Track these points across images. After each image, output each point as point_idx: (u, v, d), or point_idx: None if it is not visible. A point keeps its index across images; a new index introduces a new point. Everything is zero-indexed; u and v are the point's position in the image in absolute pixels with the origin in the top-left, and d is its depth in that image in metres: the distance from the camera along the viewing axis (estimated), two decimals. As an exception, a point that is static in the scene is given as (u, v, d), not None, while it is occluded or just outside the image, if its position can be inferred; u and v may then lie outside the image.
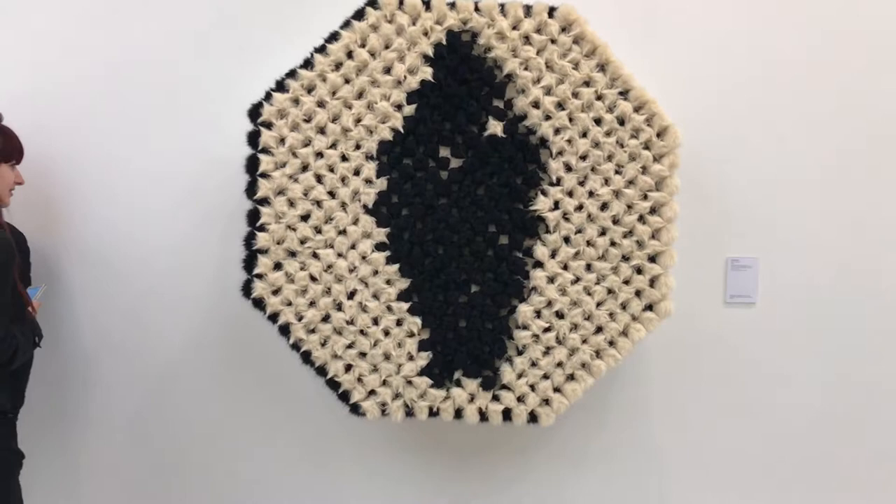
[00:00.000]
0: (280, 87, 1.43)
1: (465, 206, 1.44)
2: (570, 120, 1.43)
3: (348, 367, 1.47)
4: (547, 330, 1.46)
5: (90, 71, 1.66)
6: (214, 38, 1.65)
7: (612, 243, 1.46)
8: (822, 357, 1.66)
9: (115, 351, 1.69)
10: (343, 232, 1.45)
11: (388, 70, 1.43)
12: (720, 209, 1.64)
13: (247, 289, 1.45)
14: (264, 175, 1.42)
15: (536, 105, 1.43)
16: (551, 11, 1.43)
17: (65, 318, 1.69)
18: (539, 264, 1.45)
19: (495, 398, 1.47)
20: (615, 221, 1.45)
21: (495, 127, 1.43)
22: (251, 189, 1.43)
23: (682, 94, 1.59)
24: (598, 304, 1.46)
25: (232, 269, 1.59)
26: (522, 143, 1.44)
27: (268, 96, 1.43)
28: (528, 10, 1.43)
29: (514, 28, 1.42)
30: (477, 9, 1.42)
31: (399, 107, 1.43)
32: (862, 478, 1.70)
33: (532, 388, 1.47)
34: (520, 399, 1.47)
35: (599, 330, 1.47)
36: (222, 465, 1.71)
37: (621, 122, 1.44)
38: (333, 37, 1.43)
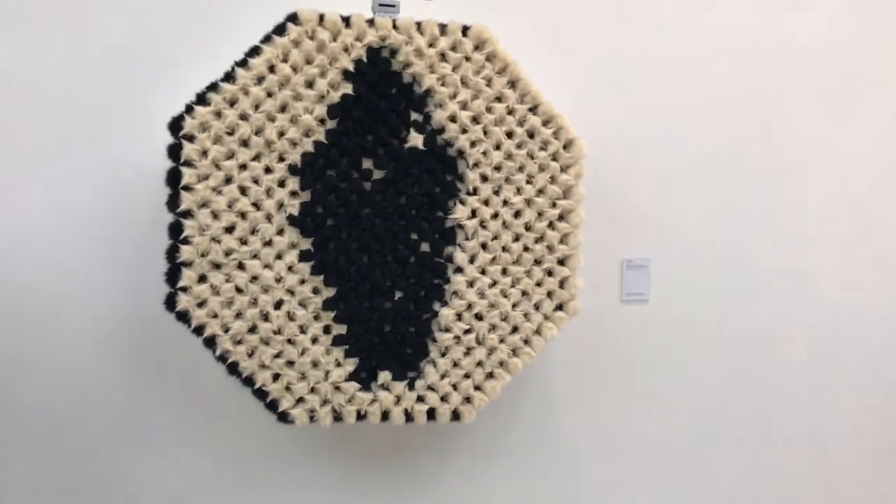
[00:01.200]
0: (202, 100, 1.43)
1: (387, 215, 1.50)
2: (485, 133, 1.52)
3: (276, 376, 1.49)
4: (468, 332, 1.53)
5: (5, 77, 1.59)
6: (133, 50, 1.62)
7: (526, 248, 1.56)
8: (712, 349, 1.83)
9: (22, 372, 1.62)
10: (269, 243, 1.47)
11: (310, 84, 1.46)
12: (616, 214, 1.78)
13: (170, 302, 1.44)
14: (187, 188, 1.42)
15: (454, 119, 1.50)
16: (465, 30, 1.51)
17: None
18: (459, 270, 1.53)
19: (420, 399, 1.54)
20: (527, 228, 1.55)
21: (416, 139, 1.49)
22: (173, 202, 1.43)
23: (581, 107, 1.71)
24: (514, 306, 1.56)
25: (149, 283, 1.59)
26: (441, 155, 1.51)
27: (189, 109, 1.42)
28: (443, 28, 1.50)
29: (431, 45, 1.49)
30: (395, 26, 1.48)
31: (322, 120, 1.47)
32: (758, 460, 1.88)
33: (455, 387, 1.54)
34: (443, 399, 1.54)
35: (515, 330, 1.56)
36: (143, 485, 1.68)
37: (531, 135, 1.54)
38: (255, 51, 1.45)
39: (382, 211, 1.49)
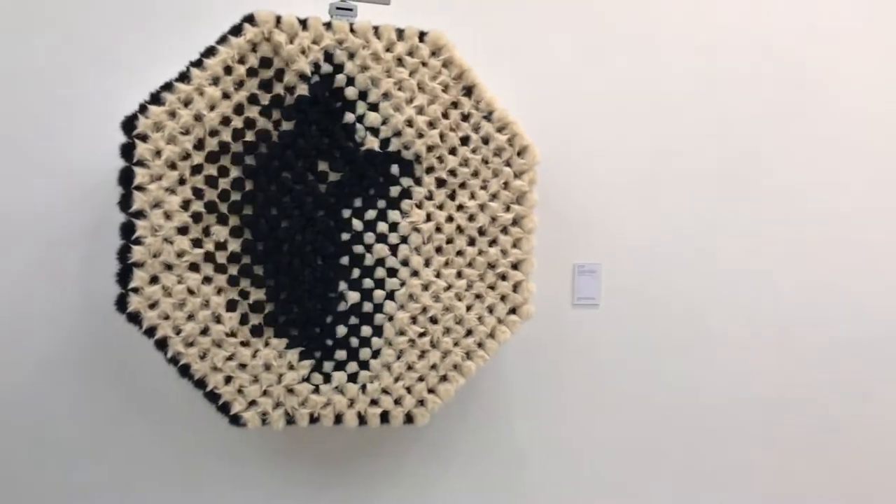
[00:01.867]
0: (156, 99, 1.42)
1: (343, 218, 1.50)
2: (441, 138, 1.53)
3: (228, 379, 1.48)
4: (422, 335, 1.55)
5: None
6: (88, 49, 1.59)
7: (480, 252, 1.57)
8: (659, 353, 1.88)
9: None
10: (222, 245, 1.46)
11: (266, 86, 1.46)
12: (568, 219, 1.81)
13: (121, 303, 1.42)
14: (140, 188, 1.40)
15: (410, 123, 1.52)
16: (422, 36, 1.53)
17: None
18: (415, 273, 1.54)
19: (374, 402, 1.54)
20: (482, 232, 1.57)
21: (372, 142, 1.50)
22: (125, 201, 1.41)
23: (533, 114, 1.74)
24: (468, 309, 1.57)
25: (96, 285, 1.56)
26: (398, 159, 1.52)
27: (143, 108, 1.41)
28: (400, 33, 1.51)
29: (388, 50, 1.50)
30: (352, 30, 1.48)
31: (278, 122, 1.47)
32: (702, 462, 1.93)
33: (408, 390, 1.55)
34: (397, 402, 1.55)
35: (469, 333, 1.57)
36: (91, 489, 1.65)
37: (486, 141, 1.56)
38: (210, 51, 1.44)
39: (336, 213, 1.50)
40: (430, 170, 1.53)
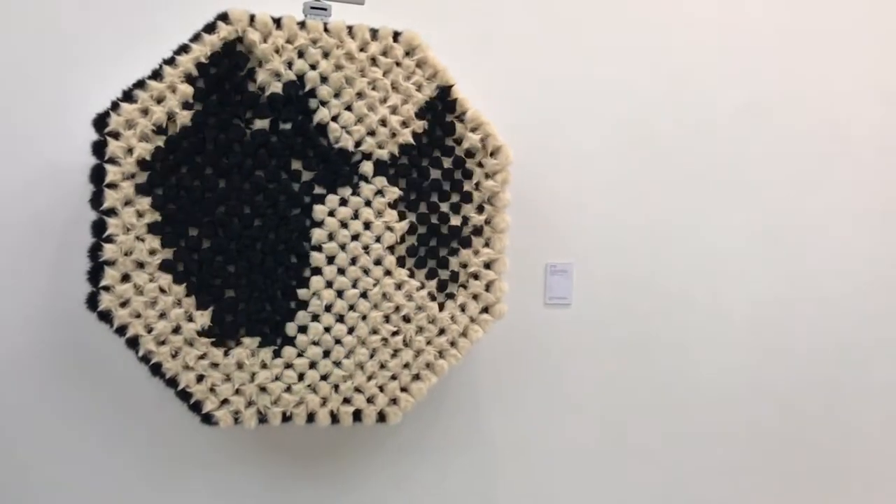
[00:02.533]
0: (128, 97, 1.41)
1: (316, 217, 1.50)
2: (415, 137, 1.54)
3: (200, 378, 1.48)
4: (395, 333, 1.55)
5: None
6: (60, 45, 1.57)
7: (452, 252, 1.58)
8: (630, 353, 1.90)
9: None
10: (195, 243, 1.45)
11: (238, 85, 1.46)
12: (540, 220, 1.82)
13: (92, 301, 1.41)
14: (111, 185, 1.39)
15: (384, 123, 1.52)
16: (396, 36, 1.53)
17: None
18: (388, 272, 1.54)
19: (346, 401, 1.55)
20: (454, 232, 1.58)
21: (346, 141, 1.50)
22: (97, 199, 1.39)
23: (506, 115, 1.75)
24: (441, 308, 1.58)
25: (71, 282, 1.55)
26: (371, 158, 1.52)
27: (115, 106, 1.40)
28: (374, 33, 1.52)
29: (362, 50, 1.51)
30: (326, 30, 1.49)
31: (250, 121, 1.46)
32: (671, 462, 1.95)
33: (381, 388, 1.56)
34: (370, 400, 1.56)
35: (442, 332, 1.58)
36: (60, 488, 1.63)
37: (459, 141, 1.57)
38: (183, 49, 1.44)
39: (310, 212, 1.50)
40: (402, 169, 1.54)
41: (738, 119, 1.93)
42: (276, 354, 1.50)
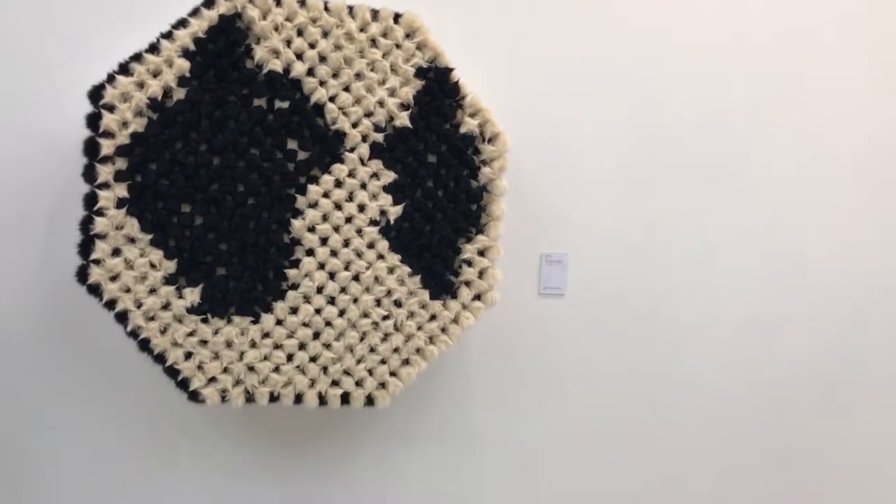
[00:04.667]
0: (124, 70, 1.40)
1: (311, 197, 1.49)
2: (412, 121, 1.53)
3: (188, 355, 1.47)
4: (386, 318, 1.55)
5: None
6: (56, 16, 1.55)
7: (444, 237, 1.57)
8: (622, 341, 1.89)
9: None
10: (188, 220, 1.44)
11: (236, 62, 1.44)
12: (536, 210, 1.81)
13: (82, 274, 1.40)
14: (104, 159, 1.38)
15: (381, 104, 1.51)
16: (396, 17, 1.52)
17: None
18: (381, 256, 1.54)
19: (335, 383, 1.54)
20: (448, 218, 1.57)
21: (343, 122, 1.49)
22: (89, 173, 1.39)
23: (505, 104, 1.74)
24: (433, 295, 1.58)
25: (61, 255, 1.54)
26: (368, 140, 1.51)
27: (111, 78, 1.39)
28: (375, 14, 1.50)
29: (362, 30, 1.50)
30: (327, 8, 1.47)
31: (247, 98, 1.45)
32: (661, 455, 1.95)
33: (370, 372, 1.55)
34: (358, 383, 1.55)
35: (433, 318, 1.58)
36: (48, 465, 1.63)
37: (457, 127, 1.56)
38: (181, 23, 1.42)
39: (304, 192, 1.49)
40: (399, 152, 1.53)
41: (739, 113, 1.91)
42: (265, 335, 1.49)
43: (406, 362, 1.58)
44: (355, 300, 1.53)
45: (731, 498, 2.00)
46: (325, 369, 1.53)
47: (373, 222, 1.52)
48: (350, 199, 1.51)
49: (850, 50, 1.98)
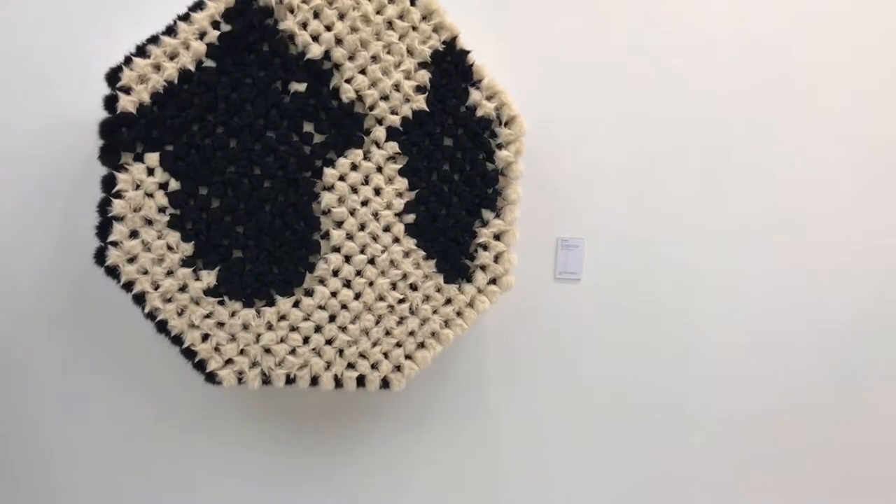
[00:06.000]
0: (141, 52, 1.40)
1: (327, 180, 1.49)
2: (428, 103, 1.52)
3: (205, 337, 1.48)
4: (401, 301, 1.55)
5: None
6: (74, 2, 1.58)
7: (459, 221, 1.56)
8: (639, 326, 1.88)
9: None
10: (205, 203, 1.45)
11: (251, 45, 1.44)
12: (553, 194, 1.80)
13: (100, 256, 1.41)
14: (121, 141, 1.39)
15: (398, 87, 1.50)
16: (413, 0, 1.51)
17: None
18: (397, 240, 1.53)
19: (350, 366, 1.55)
20: (463, 201, 1.56)
21: (359, 105, 1.49)
22: (107, 155, 1.39)
23: (522, 87, 1.73)
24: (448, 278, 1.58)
25: (79, 237, 1.55)
26: (384, 123, 1.51)
27: (128, 61, 1.39)
28: (391, -4, 1.50)
29: (378, 13, 1.49)
30: (343, -10, 1.47)
31: (264, 80, 1.44)
32: (674, 439, 1.94)
33: (385, 355, 1.56)
34: (374, 366, 1.56)
35: (449, 301, 1.57)
36: (66, 444, 1.65)
37: (473, 109, 1.55)
38: (198, 5, 1.42)
39: (320, 175, 1.49)
40: (415, 135, 1.52)
41: (761, 100, 1.89)
42: (282, 317, 1.50)
43: (421, 346, 1.58)
44: (371, 283, 1.53)
45: (751, 480, 1.99)
46: (340, 352, 1.54)
47: (388, 205, 1.52)
48: (366, 182, 1.51)
49: (872, 39, 1.95)
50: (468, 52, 1.53)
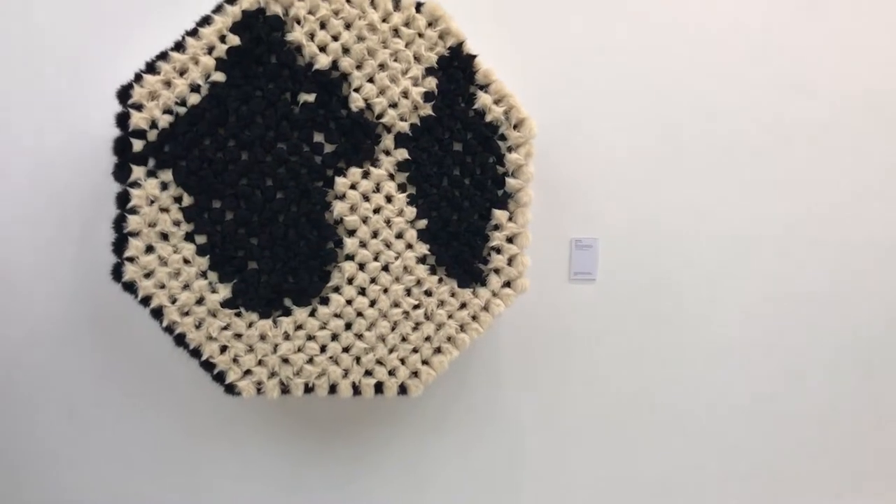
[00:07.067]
0: (151, 69, 1.42)
1: (338, 189, 1.50)
2: (436, 110, 1.52)
3: (223, 349, 1.50)
4: (416, 307, 1.55)
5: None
6: (82, 17, 1.58)
7: (471, 226, 1.56)
8: (655, 329, 1.87)
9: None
10: (218, 216, 1.46)
11: (259, 58, 1.45)
12: (566, 195, 1.80)
13: (117, 272, 1.43)
14: (134, 158, 1.40)
15: (406, 94, 1.51)
16: (419, 6, 1.51)
17: None
18: (409, 246, 1.54)
19: (368, 373, 1.55)
20: (475, 207, 1.57)
21: (368, 114, 1.50)
22: (120, 171, 1.41)
23: (532, 88, 1.73)
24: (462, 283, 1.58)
25: (96, 253, 1.57)
26: (393, 131, 1.51)
27: (138, 78, 1.41)
28: (396, 3, 1.50)
29: (385, 21, 1.50)
30: (348, 0, 1.48)
31: (273, 92, 1.46)
32: (695, 436, 1.94)
33: (402, 361, 1.56)
34: (391, 373, 1.56)
35: (464, 306, 1.58)
36: (86, 456, 1.67)
37: (482, 113, 1.55)
38: (206, 20, 1.44)
39: (332, 184, 1.50)
40: (424, 142, 1.53)
41: (775, 96, 1.88)
42: (298, 326, 1.51)
43: (438, 351, 1.59)
44: (385, 290, 1.54)
45: (774, 478, 1.98)
46: (357, 359, 1.54)
47: (399, 212, 1.53)
48: (377, 189, 1.52)
49: (871, 38, 1.93)
50: (475, 57, 1.53)
